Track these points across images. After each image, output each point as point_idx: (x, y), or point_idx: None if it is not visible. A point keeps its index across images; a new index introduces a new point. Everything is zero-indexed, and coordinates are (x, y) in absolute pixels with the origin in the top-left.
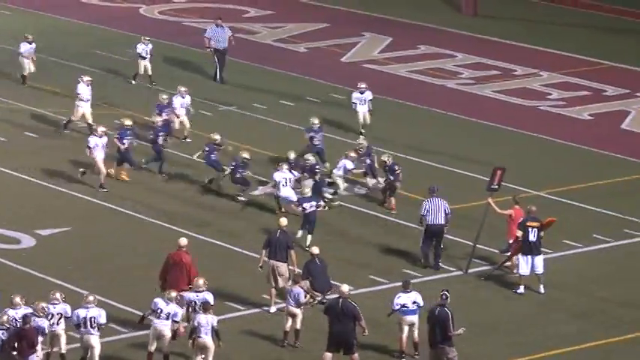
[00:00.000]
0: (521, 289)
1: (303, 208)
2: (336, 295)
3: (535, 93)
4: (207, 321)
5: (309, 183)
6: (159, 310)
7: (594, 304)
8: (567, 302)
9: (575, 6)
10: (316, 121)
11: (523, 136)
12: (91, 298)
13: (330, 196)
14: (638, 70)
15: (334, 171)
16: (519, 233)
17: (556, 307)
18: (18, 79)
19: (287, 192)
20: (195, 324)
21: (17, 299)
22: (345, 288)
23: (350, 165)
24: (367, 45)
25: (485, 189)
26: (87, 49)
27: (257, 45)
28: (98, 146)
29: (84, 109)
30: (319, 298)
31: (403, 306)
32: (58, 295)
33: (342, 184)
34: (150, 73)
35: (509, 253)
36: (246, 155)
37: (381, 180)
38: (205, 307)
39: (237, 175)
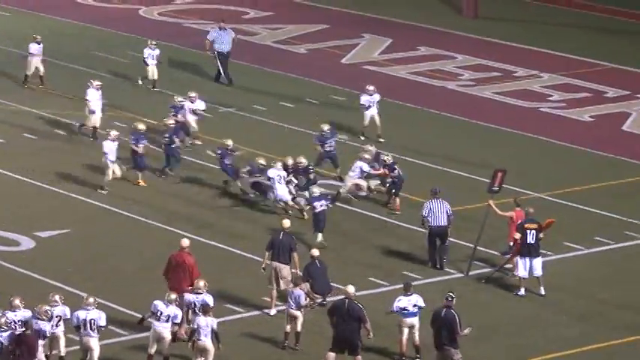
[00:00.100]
0: (522, 292)
1: (313, 206)
2: (342, 296)
3: (535, 94)
4: (207, 323)
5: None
6: (159, 313)
7: (595, 306)
8: (568, 305)
9: (575, 8)
10: (326, 127)
11: (523, 138)
12: (91, 299)
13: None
14: (638, 71)
15: (349, 173)
16: (517, 236)
17: (557, 309)
18: (17, 80)
19: (281, 189)
20: (195, 326)
21: (17, 301)
22: (351, 289)
23: (366, 167)
24: (367, 46)
25: (485, 191)
26: (86, 51)
27: (257, 46)
28: (112, 151)
29: (95, 113)
30: (319, 301)
31: (403, 309)
32: (57, 297)
33: (358, 184)
34: (155, 77)
35: (509, 256)
36: (262, 161)
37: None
38: (205, 309)
39: (253, 181)
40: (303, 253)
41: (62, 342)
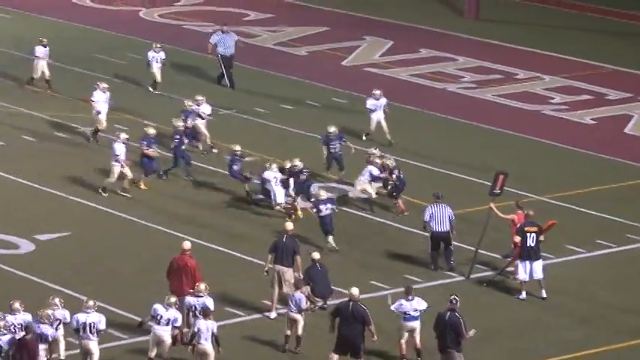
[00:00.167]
0: (523, 295)
1: (319, 210)
2: (347, 298)
3: (537, 97)
4: (207, 327)
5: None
6: (159, 317)
7: (597, 309)
8: (570, 308)
9: (577, 10)
10: (332, 129)
11: (525, 141)
12: (91, 302)
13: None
14: None
15: (359, 177)
16: (517, 239)
17: (558, 312)
18: (16, 82)
19: (278, 191)
20: (195, 330)
21: (16, 305)
22: (356, 291)
23: (376, 171)
24: (368, 48)
25: (487, 194)
26: (87, 53)
27: (257, 48)
28: (123, 152)
29: (100, 114)
30: (320, 304)
31: (405, 313)
32: (57, 300)
33: (372, 191)
34: (159, 80)
35: (510, 259)
36: (275, 166)
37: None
38: (205, 312)
39: (266, 186)
40: (305, 256)
41: (62, 345)
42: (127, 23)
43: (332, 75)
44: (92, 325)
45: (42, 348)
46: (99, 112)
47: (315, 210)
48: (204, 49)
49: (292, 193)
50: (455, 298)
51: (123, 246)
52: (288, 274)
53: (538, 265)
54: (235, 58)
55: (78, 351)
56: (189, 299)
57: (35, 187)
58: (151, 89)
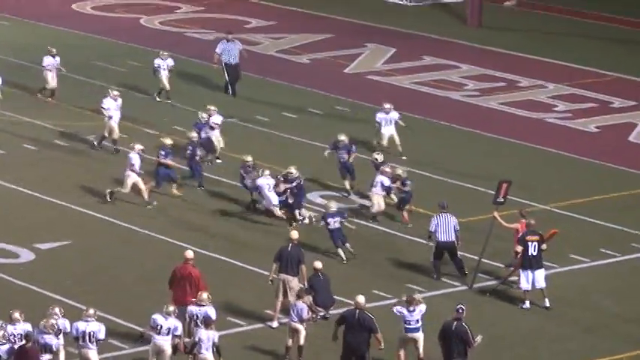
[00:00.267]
0: (527, 305)
1: (327, 223)
2: (352, 307)
3: (541, 105)
4: (207, 337)
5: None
6: (159, 327)
7: (601, 319)
8: (573, 317)
9: (580, 17)
10: (342, 137)
11: (529, 149)
12: (91, 311)
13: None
14: None
15: (372, 189)
16: (519, 248)
17: (562, 322)
18: (16, 90)
19: (272, 197)
20: (196, 339)
21: (16, 315)
22: (362, 299)
23: (387, 181)
24: (370, 56)
25: (490, 202)
26: (87, 60)
27: (259, 56)
28: (139, 163)
29: (112, 124)
30: (322, 314)
31: (406, 322)
32: (57, 309)
33: (379, 202)
34: (167, 88)
35: (513, 268)
36: (292, 170)
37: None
38: (207, 322)
39: (280, 199)
40: (309, 265)
41: (62, 355)
42: (127, 31)
43: (334, 83)
44: (92, 334)
45: (46, 358)
46: (110, 117)
47: (323, 223)
48: (205, 56)
49: (290, 200)
50: (461, 308)
51: (124, 255)
52: (294, 282)
53: (540, 275)
54: (241, 67)
55: None
56: (192, 308)
57: (36, 195)
58: (157, 97)
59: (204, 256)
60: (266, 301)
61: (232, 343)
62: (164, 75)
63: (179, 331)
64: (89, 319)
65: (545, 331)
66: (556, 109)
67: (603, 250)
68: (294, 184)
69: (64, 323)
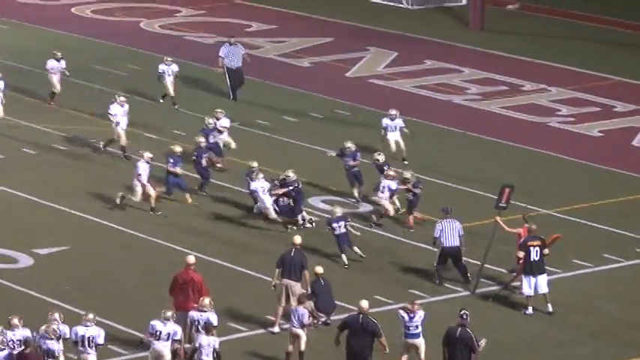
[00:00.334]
0: (530, 310)
1: (332, 228)
2: (356, 311)
3: (544, 109)
4: (208, 343)
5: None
6: (158, 333)
7: (604, 324)
8: (577, 322)
9: (583, 20)
10: (348, 144)
11: (531, 153)
12: (90, 316)
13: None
14: None
15: (379, 194)
16: (521, 254)
17: (565, 327)
18: (15, 94)
19: (266, 200)
20: (197, 345)
21: (15, 320)
22: (365, 304)
23: (394, 185)
24: (372, 60)
25: (493, 207)
26: (86, 64)
27: (260, 60)
28: (146, 172)
29: (120, 130)
30: (323, 319)
31: (406, 327)
32: (56, 315)
33: (390, 207)
34: (172, 93)
35: (515, 273)
36: (290, 173)
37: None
38: (208, 328)
39: (282, 204)
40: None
41: None
42: (127, 34)
43: (335, 86)
44: (91, 338)
45: None
46: (118, 123)
47: (328, 229)
48: (205, 60)
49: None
50: (465, 313)
51: (124, 260)
52: (296, 288)
53: (543, 280)
54: (244, 72)
55: None
56: (193, 314)
57: (34, 200)
58: (161, 101)
59: (206, 261)
60: (267, 307)
61: (233, 348)
62: (169, 81)
63: (178, 336)
64: (89, 323)
65: (548, 337)
66: (559, 113)
67: (607, 255)
68: (291, 187)
69: (63, 329)
